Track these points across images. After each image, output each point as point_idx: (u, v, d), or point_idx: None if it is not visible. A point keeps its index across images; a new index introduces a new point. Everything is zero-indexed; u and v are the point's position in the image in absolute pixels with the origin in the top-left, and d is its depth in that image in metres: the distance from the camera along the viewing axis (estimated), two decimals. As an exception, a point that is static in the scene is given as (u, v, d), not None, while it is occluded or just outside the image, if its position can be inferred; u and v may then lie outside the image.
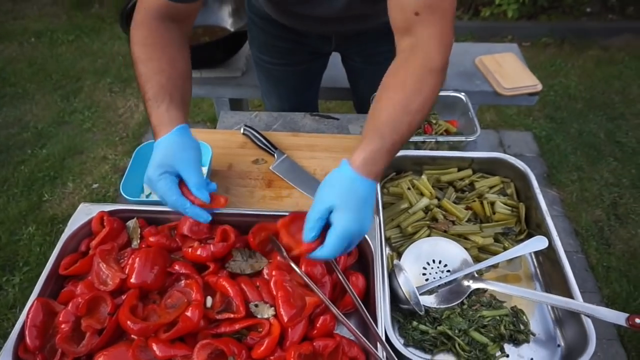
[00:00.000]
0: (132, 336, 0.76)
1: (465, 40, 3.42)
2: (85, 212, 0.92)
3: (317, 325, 0.76)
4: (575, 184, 2.39)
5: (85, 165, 2.54)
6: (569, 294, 0.83)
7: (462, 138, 1.08)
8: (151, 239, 0.86)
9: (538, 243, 0.92)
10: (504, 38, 3.40)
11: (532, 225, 1.00)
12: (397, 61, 0.83)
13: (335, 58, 1.44)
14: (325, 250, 0.73)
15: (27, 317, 0.75)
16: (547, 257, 0.94)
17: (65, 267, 0.83)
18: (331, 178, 0.76)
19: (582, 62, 3.21)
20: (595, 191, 2.35)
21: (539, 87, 1.72)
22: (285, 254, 0.83)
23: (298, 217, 0.81)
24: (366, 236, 0.88)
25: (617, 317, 0.78)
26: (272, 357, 0.73)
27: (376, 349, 0.74)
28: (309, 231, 0.74)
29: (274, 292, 0.79)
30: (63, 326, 0.74)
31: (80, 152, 2.62)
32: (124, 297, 0.78)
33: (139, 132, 2.74)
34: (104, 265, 0.81)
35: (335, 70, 1.51)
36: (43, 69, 3.24)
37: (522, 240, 0.97)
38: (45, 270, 0.83)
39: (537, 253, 0.97)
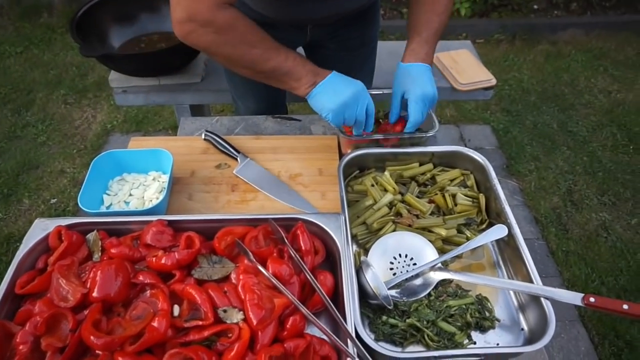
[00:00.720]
0: (97, 352, 0.73)
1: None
2: (41, 228, 0.89)
3: (287, 326, 0.76)
4: (533, 173, 2.49)
5: (42, 180, 2.43)
6: (529, 279, 0.87)
7: (423, 134, 1.11)
8: (113, 250, 0.84)
9: (498, 232, 0.95)
10: (459, 35, 3.50)
11: (493, 215, 1.04)
12: None
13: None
14: (412, 120, 1.07)
15: (-19, 341, 0.71)
16: (507, 244, 0.98)
17: (22, 286, 0.80)
18: (395, 78, 1.12)
19: (533, 57, 3.35)
20: (552, 179, 2.46)
21: (494, 81, 1.78)
22: (252, 257, 0.83)
23: None
24: (332, 234, 0.89)
25: (574, 297, 0.82)
26: (243, 362, 0.72)
27: (347, 346, 0.74)
28: (394, 114, 1.13)
29: (242, 296, 0.78)
30: (21, 347, 0.71)
31: (36, 166, 2.51)
32: (86, 312, 0.75)
33: (97, 144, 2.65)
34: (64, 281, 0.78)
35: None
36: (-10, 83, 3.09)
37: (483, 230, 1.00)
38: (0, 290, 0.79)
39: (498, 241, 1.01)
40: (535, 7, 3.75)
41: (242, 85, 1.45)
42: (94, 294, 0.76)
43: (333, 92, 0.99)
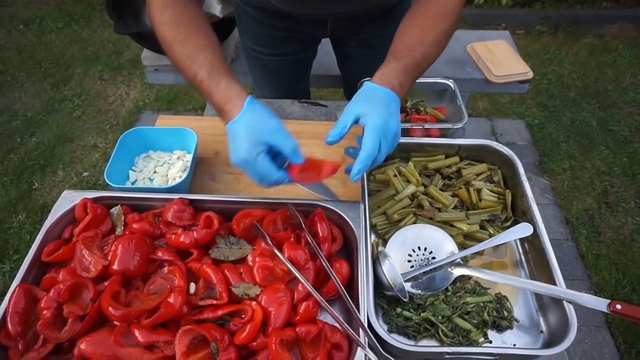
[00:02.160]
0: (115, 322, 0.76)
1: (459, 27, 3.39)
2: (68, 199, 0.92)
3: (300, 311, 0.76)
4: (566, 172, 2.40)
5: (76, 154, 2.52)
6: (552, 281, 0.84)
7: (450, 125, 1.08)
8: (135, 225, 0.86)
9: (523, 230, 0.92)
10: (498, 26, 3.37)
11: (518, 213, 1.00)
12: (414, 7, 0.94)
13: (326, 45, 1.43)
14: (365, 151, 0.78)
15: (8, 303, 0.75)
16: (532, 244, 0.94)
17: (48, 254, 0.83)
18: (355, 96, 0.86)
19: (576, 51, 3.20)
20: (587, 179, 2.36)
21: (530, 74, 1.71)
22: (269, 240, 0.83)
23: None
24: (351, 223, 0.88)
25: (599, 303, 0.78)
26: (254, 343, 0.73)
27: (358, 335, 0.74)
28: (334, 132, 0.82)
29: (257, 278, 0.79)
30: (45, 312, 0.74)
31: (71, 140, 2.60)
32: (106, 283, 0.78)
33: (129, 120, 2.72)
34: (87, 252, 0.81)
35: (325, 57, 1.50)
36: (32, 57, 3.20)
37: (507, 228, 0.97)
38: (28, 257, 0.83)
39: (522, 240, 0.98)
40: (582, -3, 3.57)
41: (258, 73, 1.45)
42: (114, 267, 0.78)
43: (233, 145, 0.80)
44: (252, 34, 1.33)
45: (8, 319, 0.73)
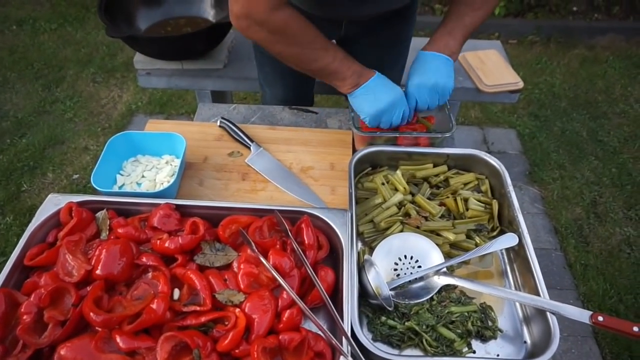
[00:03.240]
0: (96, 328, 0.75)
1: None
2: (54, 203, 0.91)
3: (284, 319, 0.76)
4: (556, 182, 2.42)
5: (66, 156, 2.50)
6: (536, 291, 0.84)
7: (438, 134, 1.08)
8: (120, 230, 0.85)
9: (508, 240, 0.93)
10: (491, 35, 3.41)
11: (505, 223, 1.01)
12: None
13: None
14: (420, 101, 1.07)
15: (-12, 308, 0.74)
16: (517, 254, 0.95)
17: (31, 258, 0.82)
18: (412, 63, 1.10)
19: (568, 61, 3.24)
20: (576, 189, 2.38)
21: (521, 84, 1.72)
22: (254, 247, 0.83)
23: None
24: (337, 230, 0.88)
25: (582, 314, 0.79)
26: (237, 350, 0.73)
27: (342, 344, 0.74)
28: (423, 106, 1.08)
29: (241, 285, 0.79)
30: (25, 317, 0.73)
31: (61, 142, 2.58)
32: (89, 288, 0.77)
33: (121, 123, 2.70)
34: (70, 257, 0.80)
35: None
36: (24, 58, 3.18)
37: (494, 237, 0.97)
38: (10, 260, 0.82)
39: (508, 250, 0.98)
40: (575, 9, 3.61)
41: (272, 74, 1.44)
42: (98, 272, 0.77)
43: (373, 97, 1.02)
44: None
45: (-13, 323, 0.72)
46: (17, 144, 2.55)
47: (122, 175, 1.07)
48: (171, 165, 1.08)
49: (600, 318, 0.77)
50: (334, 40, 1.37)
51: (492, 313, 0.88)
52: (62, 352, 0.71)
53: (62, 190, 2.28)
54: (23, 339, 0.72)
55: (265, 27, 0.94)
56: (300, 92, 1.47)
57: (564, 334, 1.77)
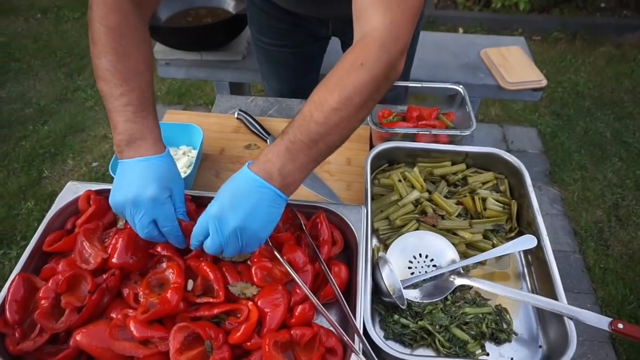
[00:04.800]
0: (112, 315, 0.76)
1: (474, 31, 3.36)
2: (72, 190, 0.92)
3: (296, 313, 0.76)
4: (577, 183, 2.36)
5: (86, 144, 2.54)
6: (554, 295, 0.82)
7: (457, 132, 1.06)
8: (136, 220, 0.86)
9: (527, 242, 0.91)
10: (514, 31, 3.33)
11: (523, 224, 0.99)
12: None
13: (336, 44, 1.42)
14: (208, 249, 0.71)
15: (8, 291, 0.75)
16: (535, 256, 0.93)
17: (50, 244, 0.83)
18: (228, 180, 0.72)
19: (593, 59, 3.15)
20: (598, 191, 2.33)
21: (544, 82, 1.69)
22: (269, 241, 0.83)
23: None
24: (352, 226, 0.87)
25: (600, 321, 0.77)
26: (248, 343, 0.73)
27: (353, 341, 0.73)
28: (195, 242, 0.74)
29: (255, 278, 0.79)
30: (43, 302, 0.75)
31: (82, 130, 2.63)
32: (104, 276, 0.78)
33: (140, 113, 2.73)
34: (87, 244, 0.81)
35: (337, 55, 1.49)
36: (48, 46, 3.23)
37: (512, 238, 0.95)
38: (30, 246, 0.83)
39: (526, 252, 0.96)
40: (603, 5, 3.51)
41: (265, 65, 1.46)
42: (114, 260, 0.78)
43: (118, 183, 0.75)
44: (258, 24, 1.34)
45: (6, 307, 0.74)
46: (39, 130, 2.60)
47: (139, 164, 1.07)
48: (188, 156, 1.09)
49: (620, 325, 0.75)
50: (337, 40, 1.36)
51: (508, 315, 0.86)
52: (78, 337, 0.72)
53: (81, 178, 2.32)
54: (41, 324, 0.73)
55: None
56: (294, 85, 1.46)
57: (580, 338, 1.73)
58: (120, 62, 0.75)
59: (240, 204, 0.67)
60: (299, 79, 1.48)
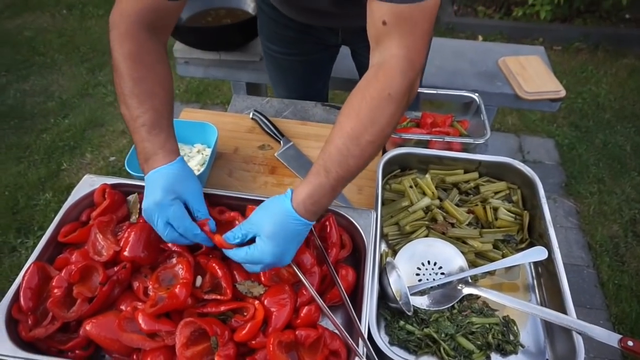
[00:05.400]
0: (121, 307, 0.78)
1: (494, 39, 3.33)
2: (89, 183, 0.94)
3: (302, 314, 0.76)
4: (594, 196, 2.32)
5: (104, 138, 2.59)
6: (563, 309, 0.81)
7: (471, 140, 1.06)
8: (149, 215, 0.88)
9: (538, 254, 0.90)
10: (535, 40, 3.29)
11: (535, 235, 0.98)
12: (362, 80, 0.77)
13: (346, 49, 1.42)
14: (235, 255, 0.75)
15: (22, 279, 0.77)
16: (546, 268, 0.92)
17: (65, 235, 0.86)
18: (272, 204, 0.76)
19: (615, 71, 3.10)
20: (615, 206, 2.28)
21: (562, 93, 1.66)
22: (277, 241, 0.83)
23: None
24: (361, 231, 0.87)
25: (610, 337, 0.76)
26: (253, 342, 0.74)
27: (357, 344, 0.73)
28: (231, 238, 0.76)
29: (262, 278, 0.79)
30: (56, 291, 0.77)
31: (101, 124, 2.68)
32: (116, 268, 0.80)
33: (158, 110, 2.78)
34: (101, 236, 0.83)
35: (346, 60, 1.49)
36: (72, 41, 3.31)
37: (522, 249, 0.94)
38: (45, 236, 0.85)
39: (536, 264, 0.95)
40: (627, 16, 3.44)
41: (274, 73, 1.47)
42: (125, 253, 0.80)
43: (150, 190, 0.78)
44: (267, 32, 1.35)
45: (21, 294, 0.76)
46: (60, 124, 2.66)
47: (155, 161, 1.09)
48: (202, 154, 1.10)
49: (630, 343, 0.74)
50: (348, 50, 1.36)
51: (515, 327, 0.85)
52: (88, 327, 0.74)
53: (98, 171, 2.37)
54: (53, 312, 0.75)
55: (115, 30, 0.82)
56: (302, 93, 1.45)
57: (590, 354, 1.71)
58: (137, 86, 0.80)
59: (290, 249, 0.75)
60: (306, 87, 1.48)
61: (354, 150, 0.72)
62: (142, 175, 1.01)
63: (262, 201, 0.91)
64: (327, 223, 0.87)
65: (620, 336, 0.75)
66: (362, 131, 0.72)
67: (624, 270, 2.02)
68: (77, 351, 0.75)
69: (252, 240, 0.75)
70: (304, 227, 0.74)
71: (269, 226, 0.73)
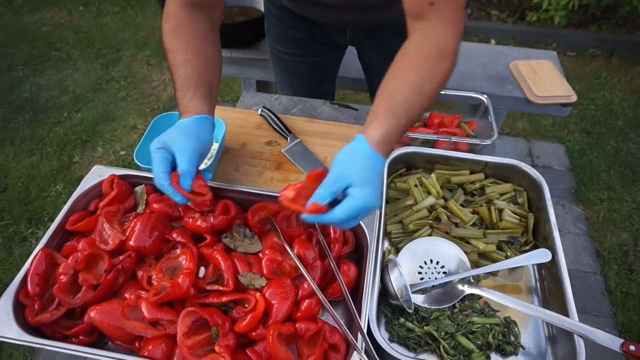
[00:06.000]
0: (126, 295, 0.79)
1: (507, 44, 3.31)
2: (98, 174, 0.96)
3: (302, 308, 0.77)
4: (604, 203, 2.30)
5: (116, 133, 2.62)
6: (565, 312, 0.81)
7: (478, 141, 1.06)
8: (155, 205, 0.89)
9: (541, 256, 0.89)
10: (549, 45, 3.27)
11: (539, 238, 0.97)
12: (409, 44, 0.84)
13: (354, 49, 1.43)
14: (335, 217, 0.72)
15: (30, 265, 0.79)
16: (549, 271, 0.91)
17: (73, 223, 0.87)
18: (352, 153, 0.78)
19: (630, 78, 3.06)
20: (625, 213, 2.25)
21: (574, 98, 1.65)
22: (280, 235, 0.84)
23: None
24: (364, 227, 0.88)
25: (612, 341, 0.75)
26: (254, 333, 0.74)
27: (356, 340, 0.74)
28: (323, 198, 0.73)
29: (264, 271, 0.80)
30: (62, 277, 0.78)
31: (113, 119, 2.71)
32: (121, 257, 0.81)
33: (169, 106, 2.81)
34: (107, 226, 0.84)
35: (352, 59, 1.49)
36: (87, 37, 3.36)
37: (526, 252, 0.94)
38: (54, 224, 0.87)
39: (540, 266, 0.95)
40: (644, 23, 3.40)
41: (280, 74, 1.48)
42: (131, 243, 0.81)
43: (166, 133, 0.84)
44: (275, 33, 1.35)
45: (28, 279, 0.78)
46: (73, 117, 2.70)
47: (163, 154, 1.11)
48: (210, 148, 1.11)
49: (632, 347, 0.73)
50: (354, 50, 1.37)
51: (516, 328, 0.85)
52: (92, 314, 0.75)
53: (109, 165, 2.40)
54: (58, 298, 0.76)
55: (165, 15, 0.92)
56: (309, 95, 1.45)
57: (595, 362, 1.68)
58: (173, 57, 0.89)
59: (381, 189, 0.85)
60: (312, 88, 1.48)
61: (417, 100, 0.80)
62: (150, 167, 1.03)
63: (267, 195, 0.93)
64: (331, 219, 0.87)
65: (622, 340, 0.74)
66: (423, 84, 0.80)
67: (632, 279, 2.00)
68: (81, 337, 0.76)
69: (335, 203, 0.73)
70: (384, 166, 0.86)
71: (361, 173, 0.74)
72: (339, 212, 0.71)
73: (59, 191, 2.28)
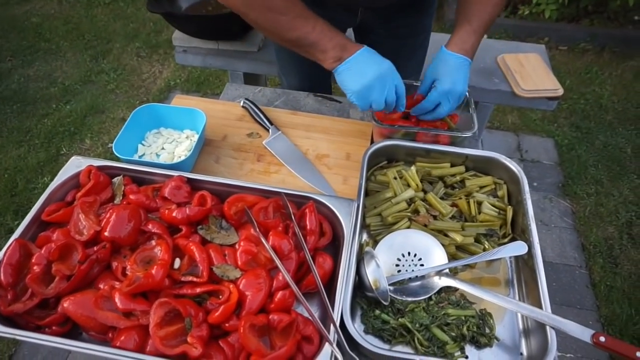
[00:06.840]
0: (99, 285, 0.79)
1: (499, 38, 3.30)
2: (75, 165, 0.96)
3: (276, 299, 0.77)
4: (591, 197, 2.31)
5: (104, 125, 2.61)
6: (539, 304, 0.81)
7: (459, 133, 1.06)
8: (132, 196, 0.89)
9: (517, 248, 0.90)
10: (540, 39, 3.26)
11: (518, 231, 0.98)
12: None
13: (351, 34, 1.41)
14: (427, 102, 1.04)
15: (4, 255, 0.79)
16: (526, 264, 0.92)
17: (49, 214, 0.87)
18: (434, 60, 1.06)
19: (621, 72, 3.07)
20: (612, 207, 2.27)
21: (560, 91, 1.65)
22: (256, 227, 0.84)
23: None
24: (341, 219, 0.88)
25: (583, 332, 0.76)
26: (227, 324, 0.74)
27: (329, 332, 0.74)
28: (422, 88, 1.07)
29: (239, 262, 0.80)
30: (35, 268, 0.78)
31: (101, 111, 2.70)
32: (95, 248, 0.81)
33: (158, 98, 2.79)
34: (83, 216, 0.84)
35: None
36: (77, 29, 3.32)
37: (504, 244, 0.94)
38: (30, 214, 0.86)
39: (517, 259, 0.95)
40: (636, 17, 3.40)
41: (287, 62, 1.45)
42: (105, 234, 0.81)
43: (358, 72, 0.94)
44: None
45: (1, 269, 0.77)
46: (61, 109, 2.68)
47: (143, 145, 1.10)
48: (191, 139, 1.11)
49: (602, 338, 0.74)
50: (350, 29, 1.37)
51: (491, 320, 0.86)
52: (66, 304, 0.75)
53: (96, 157, 2.39)
54: (32, 288, 0.76)
55: None
56: (315, 81, 1.45)
57: (577, 354, 1.70)
58: (298, 6, 0.94)
59: (463, 76, 1.03)
60: (322, 74, 1.46)
61: (490, 11, 1.04)
62: (129, 158, 1.03)
63: (245, 187, 0.92)
64: (307, 210, 0.87)
65: (592, 331, 0.75)
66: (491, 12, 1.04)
67: (617, 272, 2.01)
68: (54, 327, 0.76)
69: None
70: (461, 60, 1.03)
71: (439, 70, 1.04)
72: (430, 99, 1.03)
73: (46, 183, 2.26)
